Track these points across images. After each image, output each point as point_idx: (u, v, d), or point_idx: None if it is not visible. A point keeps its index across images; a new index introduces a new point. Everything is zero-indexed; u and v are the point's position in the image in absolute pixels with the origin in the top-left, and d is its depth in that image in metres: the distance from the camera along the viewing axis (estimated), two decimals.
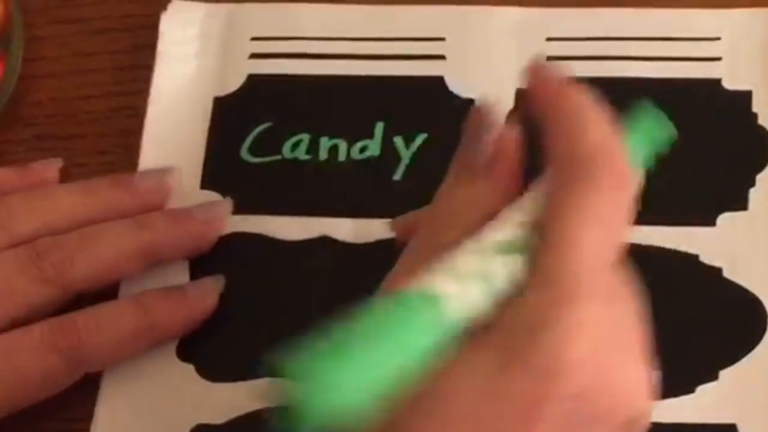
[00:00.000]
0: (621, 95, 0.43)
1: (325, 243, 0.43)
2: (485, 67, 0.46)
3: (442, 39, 0.46)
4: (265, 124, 0.45)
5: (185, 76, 0.46)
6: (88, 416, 0.41)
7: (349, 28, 0.47)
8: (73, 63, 0.48)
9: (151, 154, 0.45)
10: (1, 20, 0.49)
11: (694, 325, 0.40)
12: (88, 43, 0.49)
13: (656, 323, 0.40)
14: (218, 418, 0.40)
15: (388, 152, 0.44)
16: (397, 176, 0.44)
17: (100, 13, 0.49)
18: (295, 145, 0.45)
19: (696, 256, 0.41)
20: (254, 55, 0.46)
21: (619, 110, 0.44)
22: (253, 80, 0.46)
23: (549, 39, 0.46)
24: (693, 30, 0.45)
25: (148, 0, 0.49)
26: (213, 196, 0.44)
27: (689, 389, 0.39)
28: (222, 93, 0.46)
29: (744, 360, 0.39)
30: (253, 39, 0.47)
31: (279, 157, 0.45)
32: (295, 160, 0.44)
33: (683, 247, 0.41)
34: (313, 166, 0.44)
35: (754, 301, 0.40)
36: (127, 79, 0.48)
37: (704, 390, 0.39)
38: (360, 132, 0.45)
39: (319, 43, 0.46)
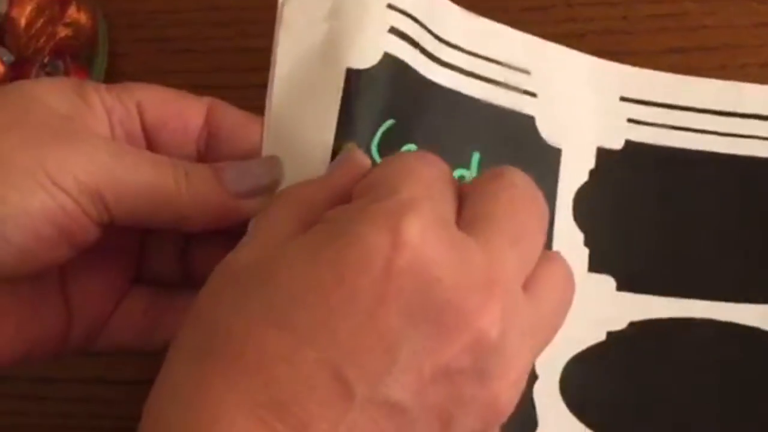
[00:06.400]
0: (704, 171, 0.45)
1: None
2: (569, 117, 0.45)
3: (527, 72, 0.44)
4: (390, 120, 0.41)
5: (314, 41, 0.40)
6: None
7: (451, 31, 0.43)
8: (151, 80, 0.44)
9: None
10: (88, 36, 0.51)
11: None
12: (168, 61, 0.52)
13: None
14: None
15: None
16: None
17: (182, 35, 0.52)
18: None
19: None
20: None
21: (692, 187, 0.45)
22: (387, 59, 0.40)
23: (623, 99, 0.46)
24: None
25: (231, 24, 0.51)
26: None
27: None
28: (356, 66, 0.40)
29: None
30: (389, 7, 0.41)
31: None
32: None
33: None
34: None
35: None
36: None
37: None
38: (459, 156, 0.43)
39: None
